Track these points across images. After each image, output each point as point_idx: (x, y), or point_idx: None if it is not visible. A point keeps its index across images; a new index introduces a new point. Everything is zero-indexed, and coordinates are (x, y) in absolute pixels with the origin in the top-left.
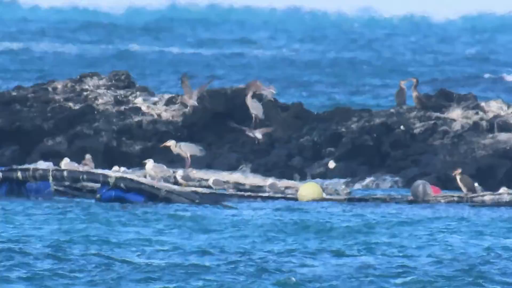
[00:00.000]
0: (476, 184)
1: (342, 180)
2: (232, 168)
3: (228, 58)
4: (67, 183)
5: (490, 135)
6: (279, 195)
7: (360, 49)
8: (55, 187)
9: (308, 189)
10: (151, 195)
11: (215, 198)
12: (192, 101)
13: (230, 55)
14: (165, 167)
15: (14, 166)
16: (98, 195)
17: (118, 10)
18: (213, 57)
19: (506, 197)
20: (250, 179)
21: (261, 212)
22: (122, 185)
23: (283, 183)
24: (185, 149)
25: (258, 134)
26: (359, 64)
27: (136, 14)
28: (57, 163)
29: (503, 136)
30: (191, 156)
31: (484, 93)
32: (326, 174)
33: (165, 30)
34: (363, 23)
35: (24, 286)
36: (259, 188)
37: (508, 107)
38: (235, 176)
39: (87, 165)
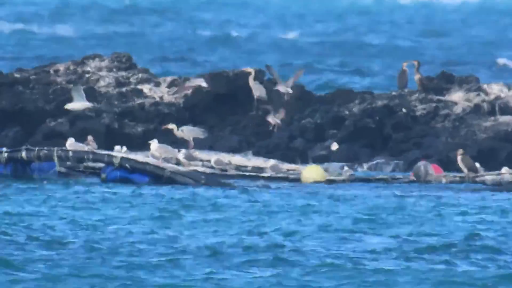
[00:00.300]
0: (477, 165)
1: (344, 164)
2: (234, 150)
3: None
4: (72, 163)
5: (492, 118)
6: (281, 175)
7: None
8: (60, 167)
9: (312, 172)
10: (155, 175)
11: (220, 179)
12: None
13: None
14: (170, 147)
15: (27, 146)
16: (103, 175)
17: None
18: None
19: (507, 177)
20: (252, 161)
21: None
22: (127, 165)
23: (285, 166)
24: (187, 132)
25: (277, 119)
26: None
27: None
28: (59, 144)
29: (504, 118)
30: (193, 138)
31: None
32: (329, 157)
33: None
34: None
35: None
36: (260, 170)
37: (509, 89)
38: (237, 158)
39: (90, 146)
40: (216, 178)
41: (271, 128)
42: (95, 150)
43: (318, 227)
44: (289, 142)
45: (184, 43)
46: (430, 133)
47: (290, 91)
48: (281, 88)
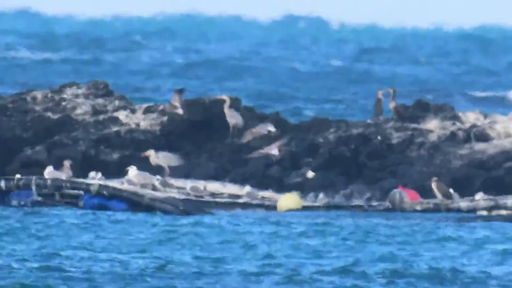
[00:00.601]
0: (451, 191)
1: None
2: (210, 177)
3: None
4: (50, 191)
5: (467, 146)
6: (257, 201)
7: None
8: (38, 196)
9: (288, 199)
10: (133, 202)
11: (198, 205)
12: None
13: None
14: (148, 174)
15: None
16: (81, 203)
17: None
18: None
19: (482, 204)
20: (228, 187)
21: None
22: (104, 192)
23: (260, 193)
24: (164, 159)
25: (274, 150)
26: None
27: None
28: (37, 173)
29: (479, 146)
30: (169, 166)
31: None
32: (304, 184)
33: None
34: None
35: None
36: (236, 197)
37: (485, 117)
38: (212, 185)
39: (65, 172)
40: (194, 204)
41: (274, 160)
42: (73, 179)
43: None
44: (265, 170)
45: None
46: (405, 161)
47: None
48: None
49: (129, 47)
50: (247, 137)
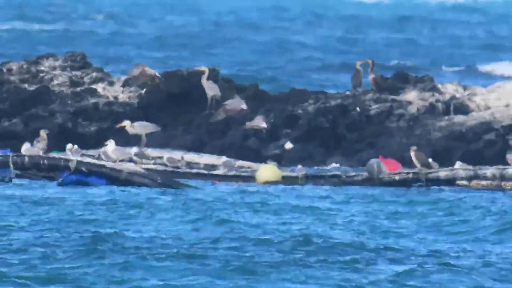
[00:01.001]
0: (430, 160)
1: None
2: (187, 149)
3: None
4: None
5: (446, 117)
6: (234, 173)
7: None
8: (15, 172)
9: (267, 170)
10: (112, 177)
11: (175, 178)
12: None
13: None
14: (126, 149)
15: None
16: (60, 180)
17: None
18: None
19: (461, 173)
20: (204, 158)
21: None
22: (83, 168)
23: (238, 163)
24: (139, 128)
25: (262, 122)
26: None
27: None
28: (13, 144)
29: (459, 118)
30: (146, 134)
31: None
32: (283, 156)
33: None
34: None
35: None
36: (213, 167)
37: (465, 89)
38: (189, 155)
39: (41, 142)
40: (171, 178)
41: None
42: (50, 155)
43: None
44: (243, 141)
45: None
46: (384, 132)
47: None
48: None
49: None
50: (221, 114)
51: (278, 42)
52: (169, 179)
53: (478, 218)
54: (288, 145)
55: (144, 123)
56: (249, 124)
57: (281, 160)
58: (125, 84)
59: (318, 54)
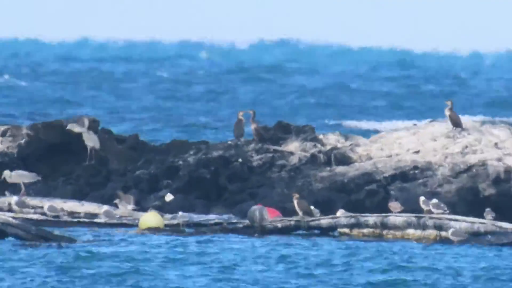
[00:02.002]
0: (312, 207)
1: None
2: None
3: None
4: None
5: (328, 168)
6: (115, 221)
7: None
8: None
9: (150, 217)
10: None
11: (55, 227)
12: None
13: None
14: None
15: None
16: None
17: None
18: None
19: (343, 220)
20: (85, 206)
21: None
22: None
23: (119, 211)
24: (18, 177)
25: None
26: None
27: None
28: None
29: (340, 169)
30: (25, 184)
31: None
32: (163, 207)
33: None
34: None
35: None
36: (94, 216)
37: (346, 139)
38: (69, 204)
39: None
40: (47, 230)
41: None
42: None
43: None
44: (124, 192)
45: None
46: (266, 183)
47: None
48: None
49: None
50: None
51: None
52: (44, 231)
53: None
54: (169, 197)
55: (23, 172)
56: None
57: (162, 212)
58: (3, 134)
59: None
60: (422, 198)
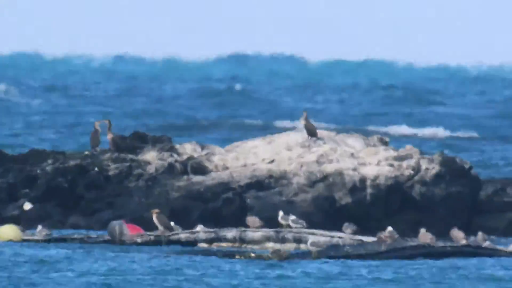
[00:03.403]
0: (172, 223)
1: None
2: None
3: None
4: None
5: (185, 177)
6: None
7: None
8: None
9: (7, 231)
10: None
11: None
12: None
13: None
14: None
15: None
16: None
17: None
18: None
19: (202, 235)
20: None
21: None
22: None
23: None
24: None
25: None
26: None
27: None
28: None
29: (197, 178)
30: None
31: None
32: (21, 216)
33: None
34: None
35: None
36: None
37: (202, 148)
38: None
39: None
40: None
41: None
42: None
43: None
44: None
45: None
46: (123, 192)
47: None
48: None
49: None
50: None
51: None
52: None
53: None
54: (27, 206)
55: None
56: None
57: (20, 221)
58: None
59: None
60: (281, 213)
